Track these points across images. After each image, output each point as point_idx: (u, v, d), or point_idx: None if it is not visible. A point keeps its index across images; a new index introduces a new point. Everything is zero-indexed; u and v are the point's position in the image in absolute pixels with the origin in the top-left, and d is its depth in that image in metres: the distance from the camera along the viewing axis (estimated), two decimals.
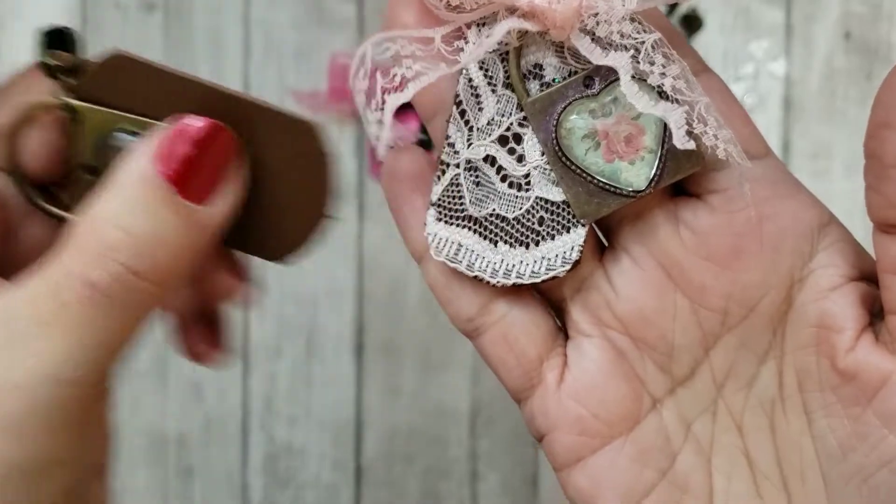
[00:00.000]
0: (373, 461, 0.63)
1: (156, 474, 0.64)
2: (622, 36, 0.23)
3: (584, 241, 0.25)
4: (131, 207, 0.22)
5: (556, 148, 0.25)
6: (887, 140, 0.22)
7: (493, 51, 0.25)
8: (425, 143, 0.27)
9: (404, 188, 0.26)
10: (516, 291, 0.26)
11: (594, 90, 0.25)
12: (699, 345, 0.26)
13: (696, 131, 0.23)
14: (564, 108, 0.25)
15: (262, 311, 0.63)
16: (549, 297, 0.27)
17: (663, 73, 0.24)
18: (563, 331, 0.27)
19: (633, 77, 0.23)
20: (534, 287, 0.26)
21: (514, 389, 0.26)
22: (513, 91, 0.25)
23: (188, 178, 0.22)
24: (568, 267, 0.25)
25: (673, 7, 0.65)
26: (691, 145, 0.23)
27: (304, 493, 0.63)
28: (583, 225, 0.25)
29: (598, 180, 0.25)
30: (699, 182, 0.25)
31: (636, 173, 0.25)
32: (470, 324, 0.26)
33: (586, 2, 0.23)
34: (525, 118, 0.26)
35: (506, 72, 0.25)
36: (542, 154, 0.25)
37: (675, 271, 0.25)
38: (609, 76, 0.24)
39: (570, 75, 0.25)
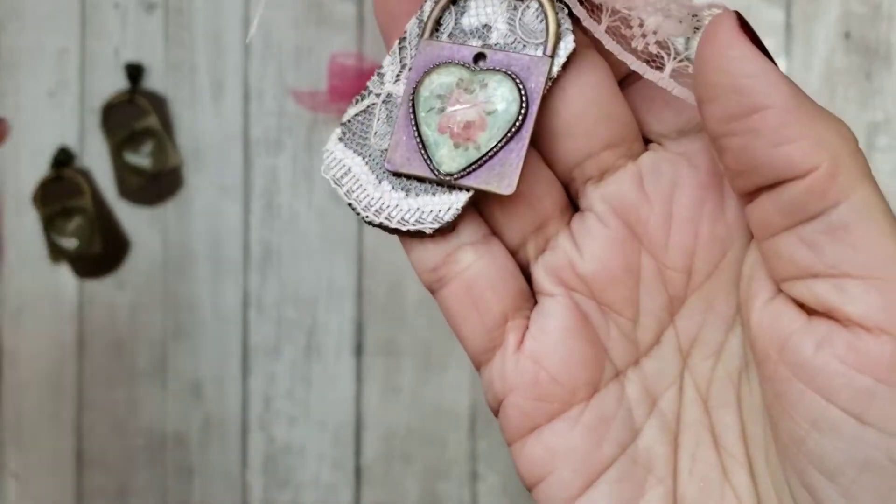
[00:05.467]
0: (372, 461, 0.63)
1: (155, 474, 0.64)
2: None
3: (462, 208, 0.24)
4: None
5: (413, 88, 0.25)
6: (705, 115, 0.22)
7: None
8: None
9: (390, 12, 0.25)
10: (486, 243, 0.25)
11: (475, 67, 0.24)
12: (665, 309, 0.25)
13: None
14: (444, 63, 0.25)
15: (261, 312, 0.63)
16: (516, 259, 0.25)
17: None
18: (533, 297, 0.25)
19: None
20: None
21: (474, 351, 0.25)
22: (450, 40, 0.25)
23: None
24: (436, 226, 0.24)
25: None
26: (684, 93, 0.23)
27: (303, 493, 0.63)
28: (467, 191, 0.24)
29: (420, 139, 0.25)
30: (663, 121, 0.24)
31: (452, 157, 0.24)
32: (433, 274, 0.25)
33: None
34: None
35: (455, 23, 0.25)
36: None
37: (639, 228, 0.24)
38: (498, 64, 0.24)
39: (508, 46, 0.24)
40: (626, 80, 0.25)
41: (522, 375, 0.24)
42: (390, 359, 0.63)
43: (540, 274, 0.25)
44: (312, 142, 0.63)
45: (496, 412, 0.25)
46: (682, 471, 0.24)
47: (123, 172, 0.65)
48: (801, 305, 0.21)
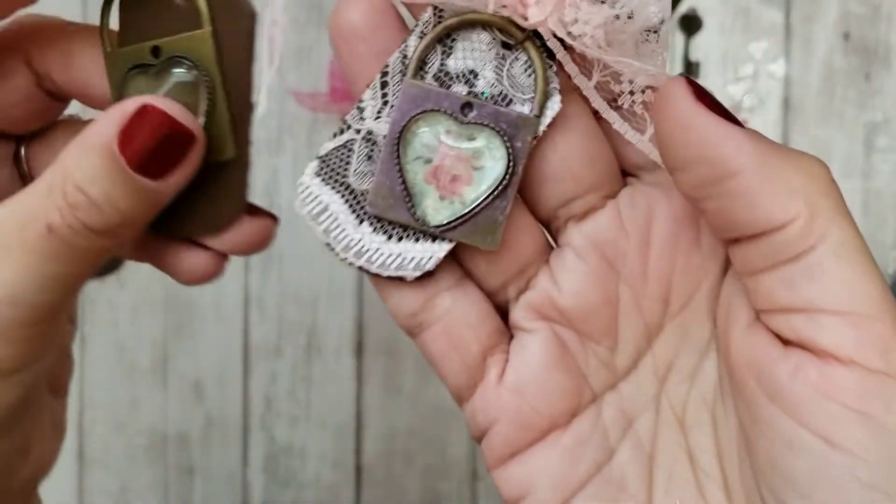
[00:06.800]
0: (373, 461, 0.63)
1: (156, 474, 0.64)
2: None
3: (443, 258, 0.24)
4: (93, 175, 0.23)
5: (398, 133, 0.24)
6: (677, 182, 0.22)
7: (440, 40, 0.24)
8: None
9: (351, 46, 0.24)
10: (462, 286, 0.25)
11: (462, 118, 0.24)
12: (643, 336, 0.25)
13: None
14: (431, 110, 0.24)
15: (262, 311, 0.63)
16: (494, 300, 0.26)
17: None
18: (509, 332, 0.26)
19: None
20: (479, 286, 0.26)
21: (457, 388, 0.26)
22: (435, 82, 0.24)
23: (145, 161, 0.24)
24: (417, 274, 0.24)
25: (673, 7, 0.65)
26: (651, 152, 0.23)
27: (304, 492, 0.63)
28: (449, 241, 0.24)
29: (405, 187, 0.24)
30: (638, 154, 0.25)
31: (437, 209, 0.24)
32: (412, 319, 0.25)
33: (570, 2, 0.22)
34: None
35: (441, 64, 0.24)
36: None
37: (617, 260, 0.25)
38: (486, 118, 0.24)
39: (494, 98, 0.24)
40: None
41: (505, 407, 0.25)
42: (391, 359, 0.63)
43: (519, 313, 0.25)
44: (313, 143, 0.63)
45: (479, 441, 0.26)
46: (657, 488, 0.25)
47: None
48: (778, 335, 0.22)
